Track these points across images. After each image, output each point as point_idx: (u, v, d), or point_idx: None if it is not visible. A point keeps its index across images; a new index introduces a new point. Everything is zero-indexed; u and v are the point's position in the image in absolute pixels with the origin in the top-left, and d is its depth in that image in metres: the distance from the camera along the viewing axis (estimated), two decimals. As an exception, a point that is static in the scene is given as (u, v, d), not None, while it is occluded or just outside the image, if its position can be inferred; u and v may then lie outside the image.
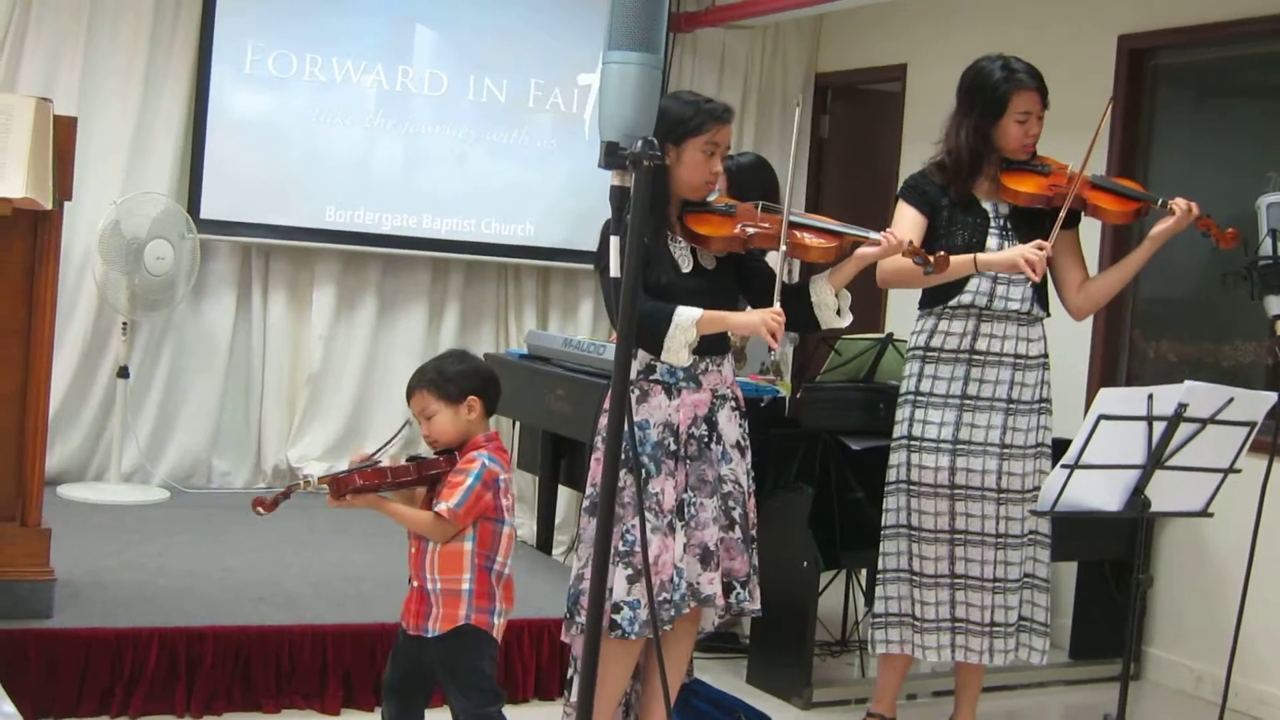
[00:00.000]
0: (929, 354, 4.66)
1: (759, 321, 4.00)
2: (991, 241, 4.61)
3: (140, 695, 4.59)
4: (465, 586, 3.75)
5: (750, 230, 4.14)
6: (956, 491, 4.60)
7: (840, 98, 8.39)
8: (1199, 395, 3.81)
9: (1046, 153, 4.68)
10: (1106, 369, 6.28)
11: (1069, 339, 6.22)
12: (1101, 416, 3.76)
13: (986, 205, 4.63)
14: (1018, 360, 4.62)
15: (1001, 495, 4.59)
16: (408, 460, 3.82)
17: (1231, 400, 3.86)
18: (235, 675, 4.72)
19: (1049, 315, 4.69)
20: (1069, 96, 6.11)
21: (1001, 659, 4.69)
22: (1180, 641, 6.00)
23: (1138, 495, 3.91)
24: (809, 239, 4.16)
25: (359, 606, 5.09)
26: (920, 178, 4.69)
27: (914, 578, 4.68)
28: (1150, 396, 3.79)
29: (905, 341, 5.49)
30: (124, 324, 6.77)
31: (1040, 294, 4.64)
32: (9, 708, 3.89)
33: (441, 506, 3.67)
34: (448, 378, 3.82)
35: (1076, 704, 5.81)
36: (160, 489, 6.97)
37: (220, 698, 4.69)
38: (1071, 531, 5.55)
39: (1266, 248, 4.66)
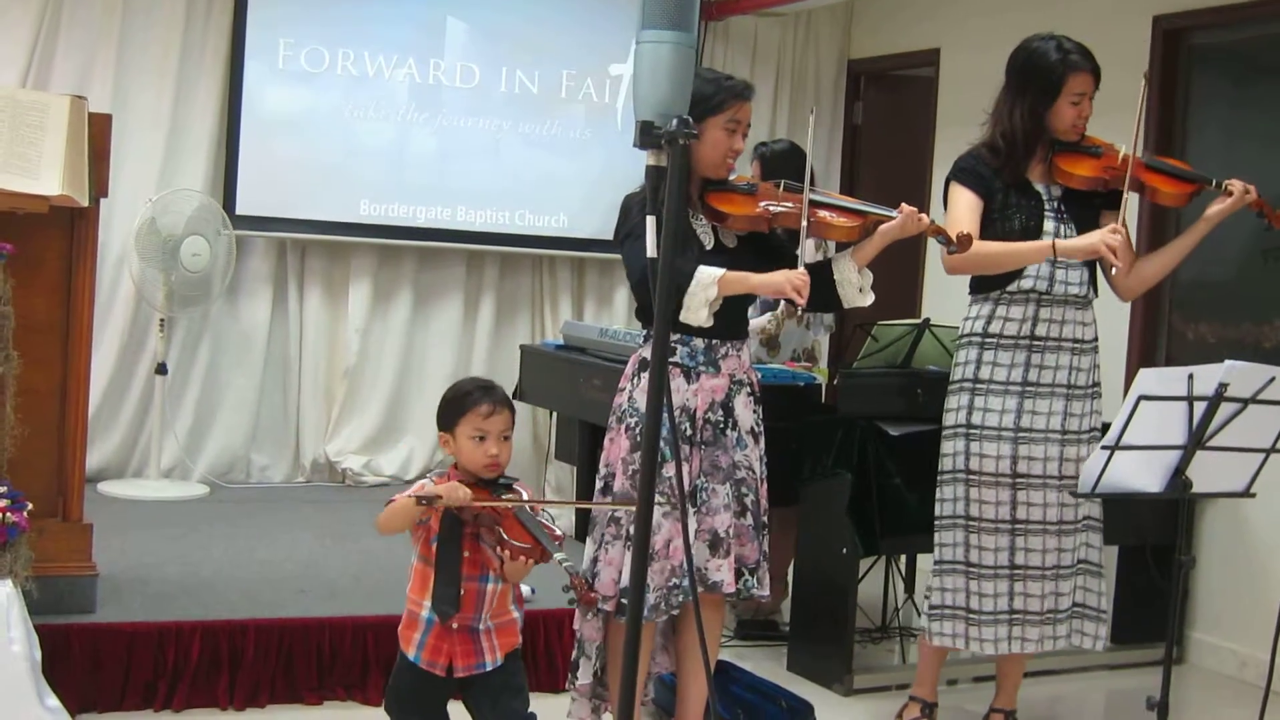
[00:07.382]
0: (988, 340, 4.53)
1: (783, 279, 3.96)
2: (1048, 224, 4.51)
3: (183, 688, 4.61)
4: (516, 615, 3.72)
5: (773, 209, 4.13)
6: (1019, 480, 4.49)
7: (873, 84, 8.37)
8: (1239, 374, 3.77)
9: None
10: (1145, 351, 6.24)
11: (1108, 321, 6.16)
12: (1141, 397, 3.73)
13: (1039, 188, 4.53)
14: (1075, 345, 4.54)
15: (1063, 482, 4.51)
16: (488, 491, 3.57)
17: (1273, 379, 3.81)
18: (277, 667, 4.74)
19: (1098, 297, 4.64)
20: (1104, 77, 6.07)
21: (1051, 645, 4.60)
22: (1223, 625, 5.96)
23: (1179, 476, 3.88)
24: (832, 217, 4.15)
25: (399, 597, 5.07)
26: (972, 160, 4.55)
27: (970, 569, 4.56)
28: (1190, 376, 3.75)
29: (942, 327, 5.46)
30: (161, 321, 6.80)
31: (1093, 276, 4.58)
32: (53, 702, 3.92)
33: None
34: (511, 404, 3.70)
35: (1119, 689, 5.76)
36: (199, 484, 7.01)
37: (263, 690, 4.71)
38: (1113, 515, 5.50)
39: (1305, 227, 4.61)
